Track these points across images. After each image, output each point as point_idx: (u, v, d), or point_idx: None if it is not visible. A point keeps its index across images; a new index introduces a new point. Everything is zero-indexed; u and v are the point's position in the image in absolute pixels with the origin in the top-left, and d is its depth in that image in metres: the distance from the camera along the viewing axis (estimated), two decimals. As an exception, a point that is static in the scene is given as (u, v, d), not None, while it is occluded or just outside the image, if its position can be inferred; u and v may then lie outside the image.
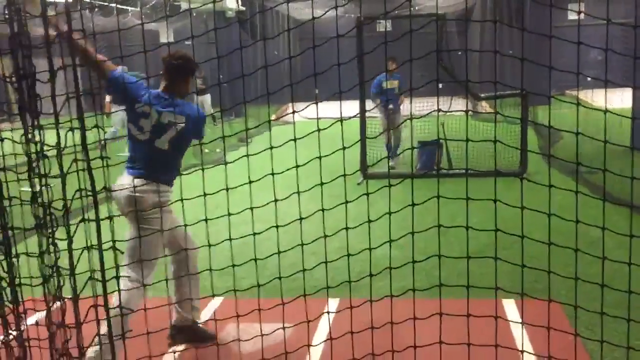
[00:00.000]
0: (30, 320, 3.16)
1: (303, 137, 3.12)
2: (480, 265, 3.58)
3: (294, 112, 2.94)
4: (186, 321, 4.22)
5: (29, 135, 2.50)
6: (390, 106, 10.74)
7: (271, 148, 3.08)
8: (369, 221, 3.08)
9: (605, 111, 2.56)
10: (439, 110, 2.68)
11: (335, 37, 2.83)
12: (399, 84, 11.05)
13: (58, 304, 2.60)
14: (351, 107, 3.23)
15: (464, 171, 9.71)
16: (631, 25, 8.27)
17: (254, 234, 3.23)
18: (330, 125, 3.19)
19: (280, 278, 3.26)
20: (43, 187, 2.49)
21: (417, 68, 2.75)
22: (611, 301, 3.93)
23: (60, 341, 2.64)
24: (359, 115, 9.71)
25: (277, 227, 3.14)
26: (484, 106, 17.16)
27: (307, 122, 3.16)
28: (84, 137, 2.50)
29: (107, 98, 14.62)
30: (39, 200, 2.50)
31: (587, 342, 3.86)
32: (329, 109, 4.86)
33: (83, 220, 2.60)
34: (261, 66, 3.27)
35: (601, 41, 3.09)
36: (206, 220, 3.21)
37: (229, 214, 3.23)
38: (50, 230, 2.52)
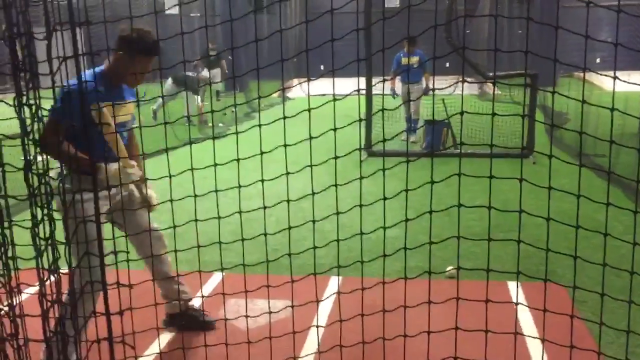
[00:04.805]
0: (24, 294, 3.01)
1: (314, 108, 2.95)
2: (485, 246, 3.44)
3: (308, 79, 2.76)
4: (175, 307, 3.97)
5: (24, 99, 2.32)
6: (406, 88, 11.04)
7: (284, 118, 2.91)
8: (384, 197, 2.92)
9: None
10: (463, 80, 2.50)
11: (343, 11, 2.65)
12: (419, 60, 11.28)
13: (53, 278, 2.45)
14: (351, 85, 3.04)
15: (469, 151, 9.58)
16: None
17: (264, 207, 3.07)
18: (344, 97, 3.02)
19: (290, 255, 3.11)
20: (38, 154, 2.32)
21: (426, 46, 2.58)
22: (620, 286, 3.81)
23: (54, 317, 2.50)
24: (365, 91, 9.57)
25: (288, 201, 2.98)
26: (490, 86, 16.91)
27: (311, 99, 2.99)
28: (83, 101, 2.32)
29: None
30: (33, 168, 2.33)
31: (591, 325, 3.75)
32: (333, 85, 4.68)
33: (80, 190, 2.44)
34: (269, 34, 3.08)
35: (613, 22, 2.90)
36: (216, 192, 3.04)
37: (240, 186, 3.07)
38: (45, 200, 2.36)
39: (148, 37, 3.39)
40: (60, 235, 2.46)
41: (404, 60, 11.30)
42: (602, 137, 2.65)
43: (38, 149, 2.40)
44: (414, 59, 11.26)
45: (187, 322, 3.94)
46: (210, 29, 3.21)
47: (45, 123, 2.70)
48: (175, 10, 3.09)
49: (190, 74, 14.10)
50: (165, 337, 3.96)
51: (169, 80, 14.23)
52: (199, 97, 14.16)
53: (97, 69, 3.43)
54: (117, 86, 3.48)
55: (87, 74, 3.29)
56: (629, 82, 2.24)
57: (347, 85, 2.87)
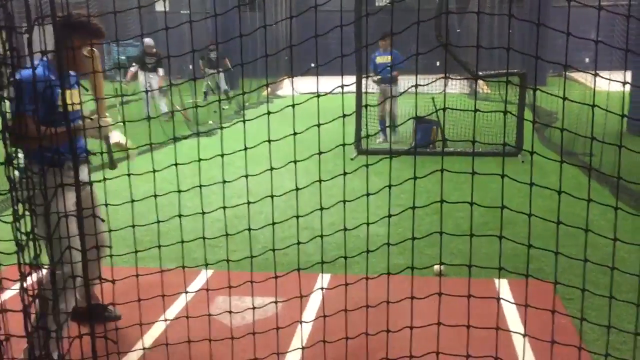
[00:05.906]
0: (7, 290, 3.00)
1: (299, 103, 2.95)
2: (473, 244, 3.47)
3: (292, 76, 2.76)
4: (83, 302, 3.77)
5: (4, 93, 2.30)
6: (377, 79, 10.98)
7: (268, 114, 2.91)
8: (367, 193, 2.93)
9: (624, 83, 2.40)
10: (446, 77, 2.51)
11: (332, 9, 2.65)
12: (392, 59, 11.01)
13: (34, 273, 2.43)
14: (341, 82, 3.05)
15: (458, 149, 9.61)
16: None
17: (248, 202, 3.06)
18: (326, 94, 3.02)
19: (273, 250, 3.11)
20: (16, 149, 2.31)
21: (413, 44, 2.58)
22: (606, 283, 3.82)
23: (35, 312, 2.48)
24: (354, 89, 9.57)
25: (272, 196, 2.98)
26: (481, 85, 16.97)
27: (300, 97, 2.97)
28: (63, 96, 2.32)
29: (133, 68, 14.54)
30: (14, 162, 2.32)
31: (578, 324, 3.76)
32: (322, 84, 4.69)
33: (61, 185, 2.43)
34: (258, 27, 3.08)
35: (604, 21, 2.91)
36: (200, 187, 3.04)
37: (224, 182, 3.07)
38: (26, 195, 2.35)
39: (87, 20, 3.39)
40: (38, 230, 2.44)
41: (379, 59, 11.10)
42: (597, 137, 2.64)
43: (11, 143, 2.38)
44: (387, 58, 10.94)
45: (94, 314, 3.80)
46: (204, 30, 3.20)
47: (16, 118, 2.63)
48: (165, 8, 3.08)
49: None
50: (149, 334, 3.95)
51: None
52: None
53: (43, 61, 3.27)
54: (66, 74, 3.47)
55: (41, 63, 3.24)
56: (609, 79, 2.26)
57: (339, 83, 2.87)
